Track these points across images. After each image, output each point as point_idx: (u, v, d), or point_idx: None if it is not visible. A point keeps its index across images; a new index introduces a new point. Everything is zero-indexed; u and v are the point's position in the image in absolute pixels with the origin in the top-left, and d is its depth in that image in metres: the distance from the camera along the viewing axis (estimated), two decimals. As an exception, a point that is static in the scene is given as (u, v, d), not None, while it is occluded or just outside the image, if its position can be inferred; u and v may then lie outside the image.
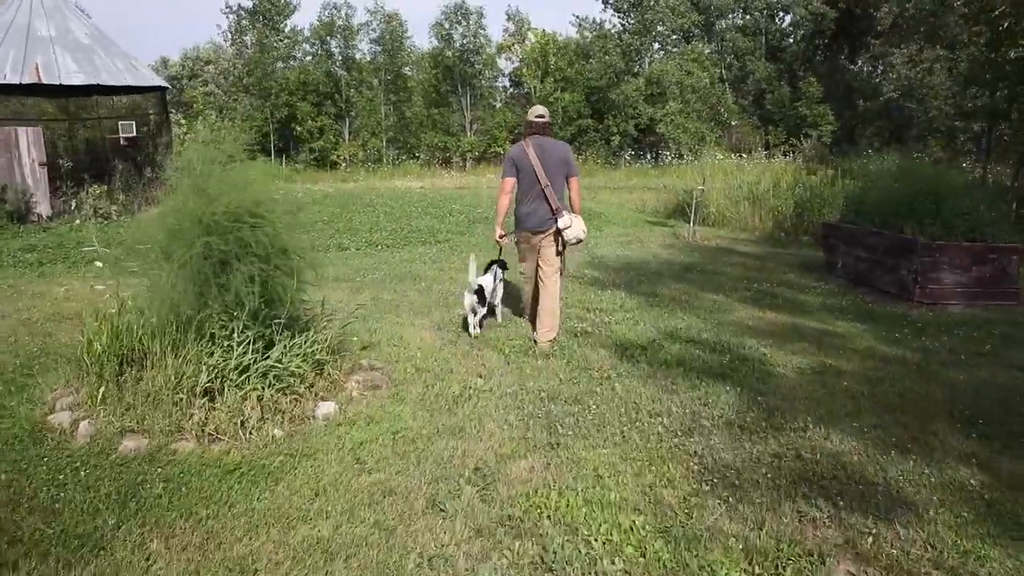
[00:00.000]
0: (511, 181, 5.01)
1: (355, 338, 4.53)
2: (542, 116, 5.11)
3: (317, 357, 3.97)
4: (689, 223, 12.53)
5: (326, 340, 4.10)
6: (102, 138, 12.07)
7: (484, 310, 5.25)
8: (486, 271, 5.63)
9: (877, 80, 35.52)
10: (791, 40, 39.99)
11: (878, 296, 6.71)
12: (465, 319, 5.28)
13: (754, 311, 6.12)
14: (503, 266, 5.69)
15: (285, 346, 3.82)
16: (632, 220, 12.76)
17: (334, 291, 6.54)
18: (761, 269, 8.18)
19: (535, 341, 5.00)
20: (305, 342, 3.92)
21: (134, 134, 12.35)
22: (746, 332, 5.39)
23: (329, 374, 4.04)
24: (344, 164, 26.85)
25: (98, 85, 11.60)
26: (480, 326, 5.23)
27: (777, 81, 37.17)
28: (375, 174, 26.02)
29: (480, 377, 4.31)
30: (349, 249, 9.22)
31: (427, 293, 6.57)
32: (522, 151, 4.96)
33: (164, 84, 13.75)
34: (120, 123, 12.23)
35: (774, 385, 4.18)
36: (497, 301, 5.68)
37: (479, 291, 5.16)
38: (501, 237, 5.25)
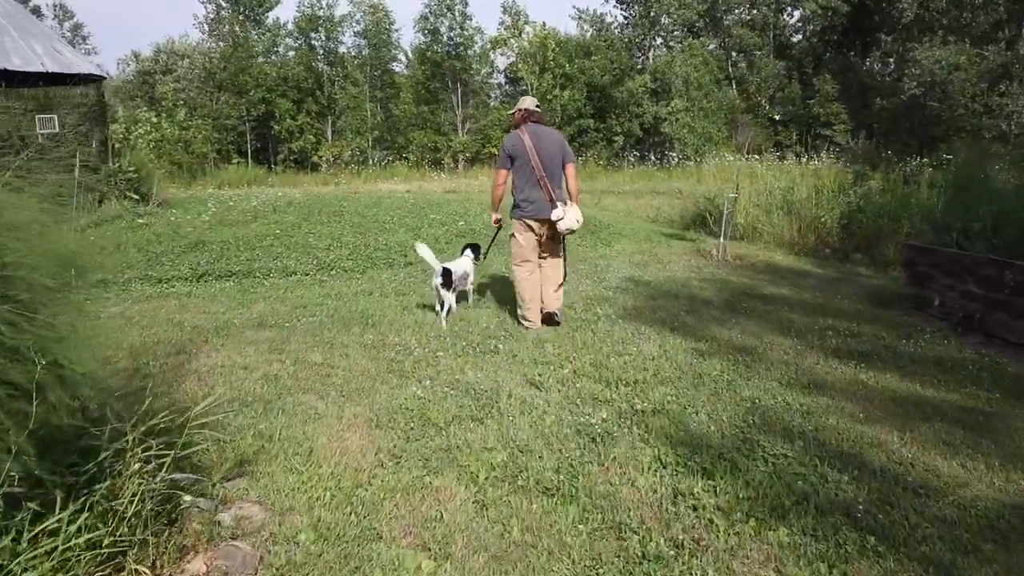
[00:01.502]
0: (505, 173, 5.05)
1: (205, 468, 2.59)
2: (538, 106, 5.18)
3: (104, 548, 2.05)
4: (713, 236, 10.67)
5: (137, 494, 2.18)
6: (16, 134, 10.14)
7: (452, 295, 5.24)
8: (461, 254, 5.79)
9: (891, 77, 33.80)
10: (801, 36, 38.22)
11: (1006, 351, 4.81)
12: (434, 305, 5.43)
13: (848, 374, 4.21)
14: (476, 250, 5.84)
15: (16, 536, 1.89)
16: (645, 232, 10.86)
17: (245, 348, 4.63)
18: (825, 300, 6.27)
19: (525, 326, 5.17)
20: (79, 513, 2.00)
21: (56, 130, 10.42)
22: (856, 421, 3.48)
23: (135, 573, 2.12)
24: (325, 166, 24.90)
25: (6, 71, 9.68)
26: (448, 313, 5.26)
27: (786, 79, 35.38)
28: (359, 176, 24.14)
29: (427, 554, 2.39)
30: (295, 274, 7.29)
31: (376, 351, 4.63)
32: (518, 139, 4.94)
33: (100, 73, 11.81)
34: (38, 117, 10.31)
35: (971, 579, 2.27)
36: (469, 286, 5.80)
37: (445, 273, 5.18)
38: (497, 221, 5.43)
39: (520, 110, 5.07)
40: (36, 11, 48.48)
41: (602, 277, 7.14)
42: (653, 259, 8.43)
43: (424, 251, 5.36)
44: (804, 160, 22.87)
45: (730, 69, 36.81)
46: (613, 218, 12.25)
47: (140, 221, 9.77)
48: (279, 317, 5.50)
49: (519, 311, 5.20)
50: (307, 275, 7.23)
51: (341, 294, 6.29)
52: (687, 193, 12.87)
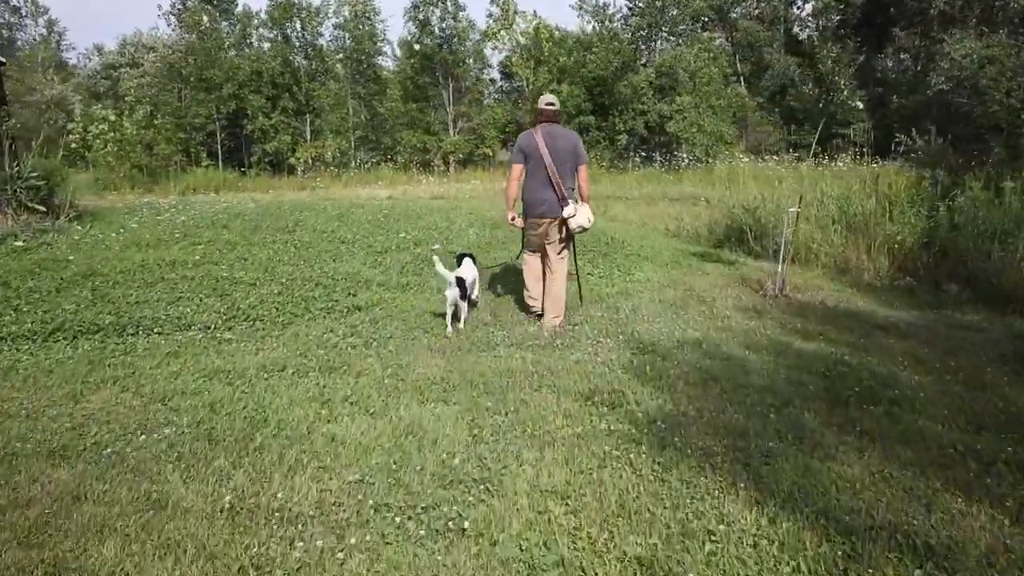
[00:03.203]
0: (519, 168, 5.06)
1: None
2: (552, 104, 5.14)
3: None
4: (754, 256, 8.61)
5: None
6: None
7: (466, 304, 5.09)
8: (458, 263, 5.51)
9: (910, 73, 31.82)
10: (813, 29, 36.10)
11: None
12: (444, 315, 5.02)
13: None
14: (473, 258, 5.63)
15: None
16: (670, 252, 8.73)
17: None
18: (969, 379, 4.14)
19: (531, 309, 5.33)
20: None
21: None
22: None
23: None
24: (302, 169, 22.70)
25: None
26: (459, 320, 5.10)
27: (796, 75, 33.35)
28: (340, 180, 21.95)
29: None
30: (191, 328, 5.12)
31: (231, 530, 2.45)
32: (531, 138, 4.99)
33: (-3, 57, 9.61)
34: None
35: None
36: (475, 294, 5.58)
37: (460, 283, 4.98)
38: (513, 220, 5.26)
39: (537, 109, 5.15)
40: (16, 10, 46.42)
41: (628, 332, 4.99)
42: (691, 296, 6.30)
43: (438, 264, 5.05)
44: (825, 161, 20.85)
45: (738, 65, 34.76)
46: (626, 232, 10.13)
47: (18, 244, 7.61)
48: (108, 430, 3.33)
49: (525, 296, 5.38)
50: (208, 330, 5.07)
51: (236, 372, 4.12)
52: (716, 201, 10.72)
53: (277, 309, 5.49)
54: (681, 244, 9.74)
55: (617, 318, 5.39)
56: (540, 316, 5.24)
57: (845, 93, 5.61)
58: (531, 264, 5.30)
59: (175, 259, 7.27)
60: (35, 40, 43.60)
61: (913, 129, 9.42)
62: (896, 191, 8.27)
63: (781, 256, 6.57)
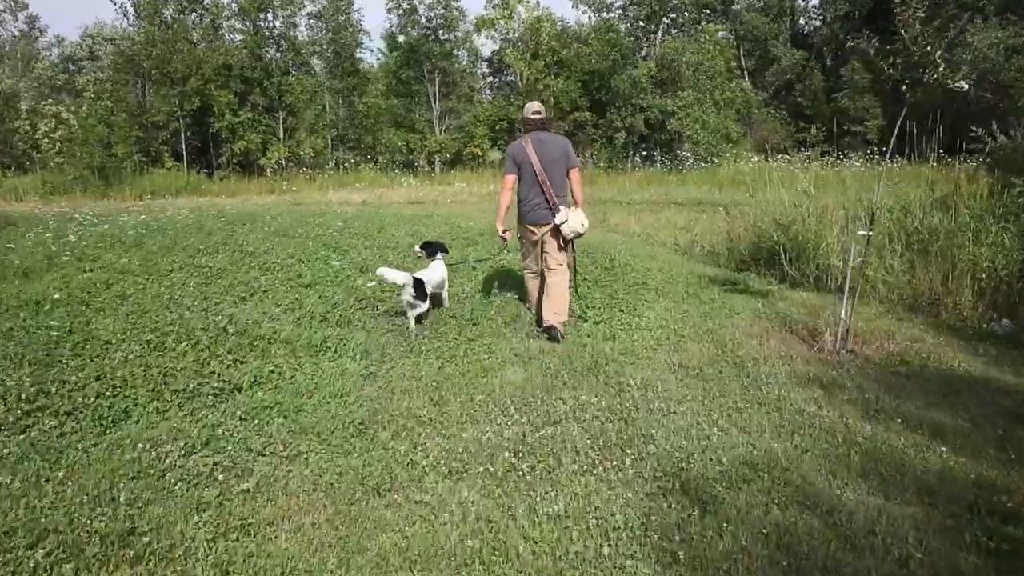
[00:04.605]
0: (512, 178, 5.05)
1: None
2: (538, 112, 5.08)
3: None
4: (792, 285, 6.87)
5: None
6: None
7: (426, 305, 4.92)
8: (430, 257, 5.40)
9: (920, 69, 30.04)
10: (820, 22, 34.36)
11: None
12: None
13: None
14: (444, 249, 5.51)
15: None
16: (683, 278, 6.92)
17: None
18: None
19: (540, 329, 4.96)
20: None
21: None
22: None
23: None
24: (271, 170, 20.85)
25: None
26: (422, 321, 4.96)
27: (804, 69, 31.68)
28: (313, 182, 20.12)
29: None
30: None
31: None
32: (521, 148, 4.99)
33: None
34: None
35: None
36: (444, 290, 5.46)
37: (418, 284, 4.82)
38: (504, 232, 5.20)
39: (523, 119, 5.13)
40: (-13, 4, 44.39)
41: (638, 442, 3.18)
42: (723, 356, 4.50)
43: (387, 273, 4.84)
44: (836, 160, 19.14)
45: (742, 59, 33.03)
46: (629, 249, 8.34)
47: None
48: None
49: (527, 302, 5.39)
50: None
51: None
52: (737, 212, 8.89)
53: (113, 392, 3.66)
54: (696, 265, 7.94)
55: (621, 406, 3.58)
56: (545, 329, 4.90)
57: (942, 69, 3.98)
58: (528, 279, 5.38)
59: (32, 297, 5.45)
60: (15, 36, 41.73)
61: (994, 123, 7.61)
62: (974, 199, 6.48)
63: (845, 298, 4.78)
